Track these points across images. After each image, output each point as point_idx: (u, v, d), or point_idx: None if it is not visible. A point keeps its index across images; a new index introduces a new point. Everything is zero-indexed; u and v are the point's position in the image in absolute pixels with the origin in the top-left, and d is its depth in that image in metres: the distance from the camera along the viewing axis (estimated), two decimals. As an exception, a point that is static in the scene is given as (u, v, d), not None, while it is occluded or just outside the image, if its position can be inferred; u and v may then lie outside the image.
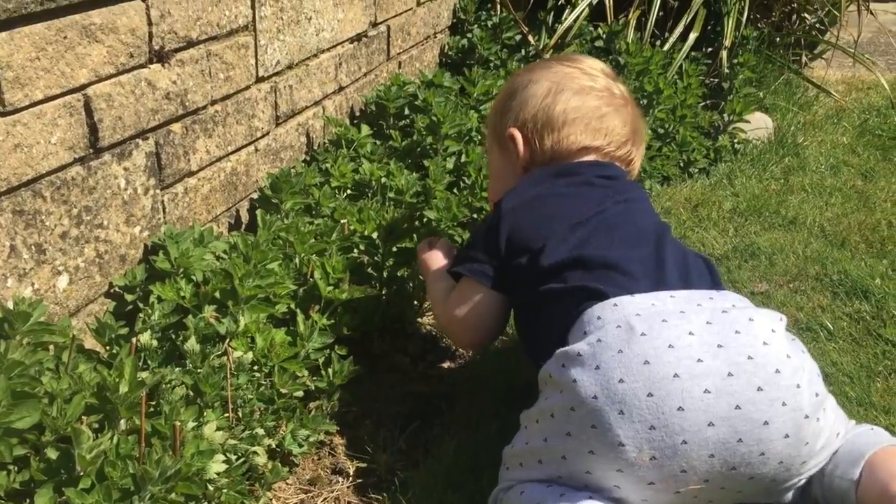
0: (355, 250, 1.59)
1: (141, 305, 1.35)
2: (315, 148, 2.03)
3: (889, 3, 3.93)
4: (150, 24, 1.38)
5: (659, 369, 1.00)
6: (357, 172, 1.87)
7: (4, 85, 1.11)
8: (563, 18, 2.83)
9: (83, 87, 1.25)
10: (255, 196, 1.78)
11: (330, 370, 1.35)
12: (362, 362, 1.48)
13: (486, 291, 1.29)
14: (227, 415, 1.12)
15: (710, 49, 2.89)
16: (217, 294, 1.32)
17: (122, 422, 1.05)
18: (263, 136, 1.80)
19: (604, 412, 1.01)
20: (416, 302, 1.69)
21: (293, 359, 1.28)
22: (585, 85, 1.35)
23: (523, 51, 2.88)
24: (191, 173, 1.56)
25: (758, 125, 2.64)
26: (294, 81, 1.89)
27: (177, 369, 1.16)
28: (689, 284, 1.15)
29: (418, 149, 2.04)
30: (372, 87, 2.31)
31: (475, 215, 1.86)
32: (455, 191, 1.89)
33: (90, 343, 1.27)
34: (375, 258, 1.59)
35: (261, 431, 1.14)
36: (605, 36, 2.78)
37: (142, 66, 1.38)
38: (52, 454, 0.98)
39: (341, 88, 2.14)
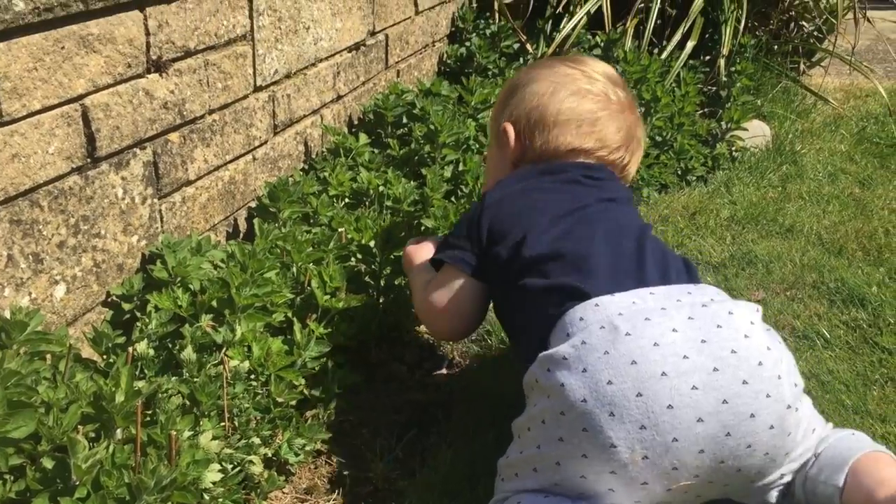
0: (352, 259, 1.60)
1: (138, 314, 1.35)
2: (313, 156, 2.03)
3: (887, 11, 3.94)
4: (147, 34, 1.38)
5: (646, 368, 1.01)
6: (355, 181, 1.87)
7: (2, 95, 1.11)
8: (561, 27, 2.84)
9: (81, 97, 1.26)
10: (253, 205, 1.79)
11: (327, 379, 1.35)
12: (359, 371, 1.48)
13: (467, 279, 1.28)
14: (223, 424, 1.12)
15: (707, 57, 2.90)
16: (214, 303, 1.33)
17: (119, 431, 1.05)
18: (261, 145, 1.80)
19: (594, 415, 1.01)
20: (412, 309, 1.69)
21: (290, 368, 1.28)
22: (583, 88, 1.35)
23: (521, 59, 2.89)
24: (188, 182, 1.56)
25: (755, 133, 2.65)
26: (292, 90, 1.90)
27: (173, 378, 1.16)
28: (667, 281, 1.15)
29: (416, 157, 2.04)
30: (370, 95, 2.32)
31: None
32: (453, 199, 1.89)
33: (87, 352, 1.28)
34: (373, 267, 1.60)
35: (257, 440, 1.14)
36: (602, 44, 2.79)
37: (139, 75, 1.38)
38: (48, 463, 0.98)
39: (339, 97, 2.15)
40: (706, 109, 2.73)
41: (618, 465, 1.01)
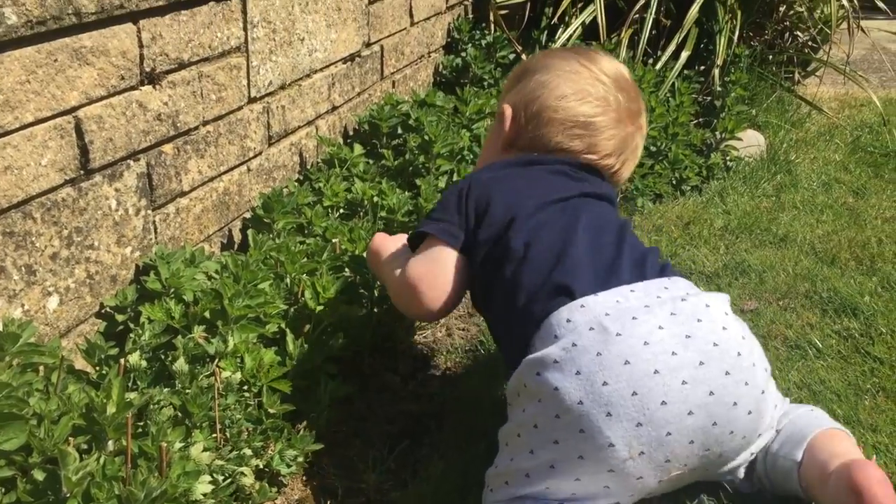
0: (346, 270, 1.60)
1: (132, 326, 1.35)
2: (308, 167, 2.04)
3: (882, 21, 3.95)
4: (141, 46, 1.39)
5: (639, 367, 1.03)
6: (350, 192, 1.88)
7: (-5, 108, 1.12)
8: (556, 37, 2.86)
9: (74, 109, 1.26)
10: (247, 216, 1.79)
11: (319, 390, 1.35)
12: (353, 381, 1.48)
13: (451, 252, 1.26)
14: (214, 435, 1.13)
15: (702, 67, 2.91)
16: (207, 314, 1.33)
17: (110, 443, 1.05)
18: (256, 156, 1.81)
19: (591, 416, 1.03)
20: (406, 320, 1.69)
21: (282, 378, 1.29)
22: (586, 89, 1.34)
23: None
24: (182, 193, 1.57)
25: (750, 143, 2.66)
26: (287, 102, 1.91)
27: (165, 390, 1.16)
28: (643, 276, 1.16)
29: (411, 168, 2.05)
30: (365, 106, 2.33)
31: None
32: (447, 209, 1.90)
33: (81, 364, 1.28)
34: (366, 277, 1.60)
35: (248, 452, 1.14)
36: (597, 54, 2.80)
37: (133, 87, 1.39)
38: (38, 476, 0.98)
39: (334, 108, 2.16)
40: (701, 119, 2.74)
41: (616, 463, 1.04)
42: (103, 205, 1.35)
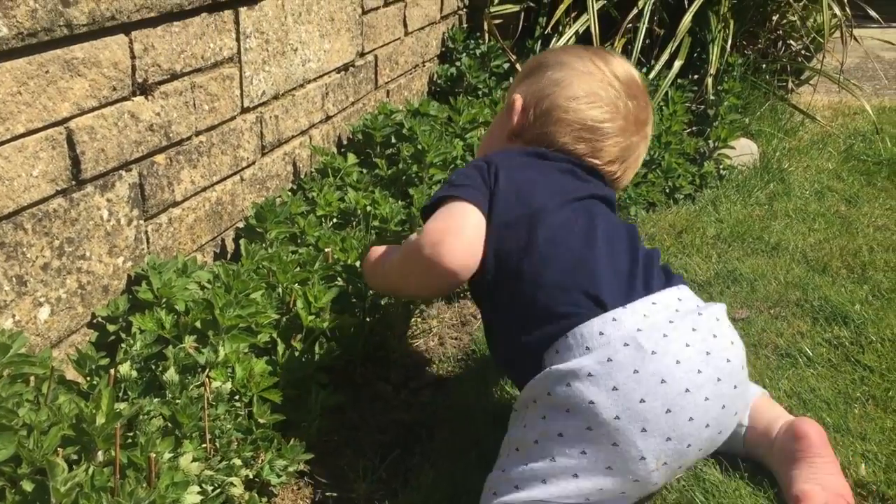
0: (339, 279, 1.60)
1: (123, 336, 1.35)
2: (302, 177, 2.05)
3: (875, 29, 3.97)
4: (133, 57, 1.40)
5: (674, 387, 1.09)
6: (343, 201, 1.89)
7: (-14, 120, 1.12)
8: (550, 46, 2.87)
9: (65, 120, 1.27)
10: (240, 225, 1.80)
11: (310, 399, 1.35)
12: (345, 391, 1.49)
13: (476, 210, 1.21)
14: (204, 445, 1.13)
15: (695, 76, 2.93)
16: (198, 324, 1.33)
17: (100, 453, 1.05)
18: (249, 166, 1.82)
19: (627, 431, 1.08)
20: (398, 329, 1.70)
21: (273, 388, 1.29)
22: (597, 92, 1.34)
23: (511, 79, 2.91)
24: (175, 203, 1.57)
25: (743, 151, 2.67)
26: (280, 111, 1.92)
27: (155, 400, 1.17)
28: (653, 284, 1.20)
29: (404, 177, 2.06)
30: (360, 115, 2.34)
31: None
32: (440, 219, 1.90)
33: (72, 374, 1.28)
34: (358, 286, 1.60)
35: (238, 462, 1.14)
36: (591, 64, 2.81)
37: (125, 98, 1.40)
38: (27, 486, 0.98)
39: (328, 118, 2.17)
40: (694, 128, 2.75)
41: (643, 474, 1.09)
42: (95, 215, 1.36)
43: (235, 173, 1.77)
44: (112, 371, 1.15)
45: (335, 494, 1.28)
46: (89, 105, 1.31)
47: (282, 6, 1.85)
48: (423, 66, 2.82)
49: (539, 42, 3.00)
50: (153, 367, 1.26)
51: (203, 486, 1.07)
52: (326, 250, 1.63)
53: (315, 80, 2.07)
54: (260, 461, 1.19)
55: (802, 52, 3.35)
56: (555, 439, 1.10)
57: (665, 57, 2.80)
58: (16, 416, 1.02)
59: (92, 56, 1.30)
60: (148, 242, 1.51)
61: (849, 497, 1.16)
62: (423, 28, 2.75)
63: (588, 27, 2.80)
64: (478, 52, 2.90)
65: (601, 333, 1.11)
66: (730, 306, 1.75)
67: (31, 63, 1.19)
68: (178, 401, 1.15)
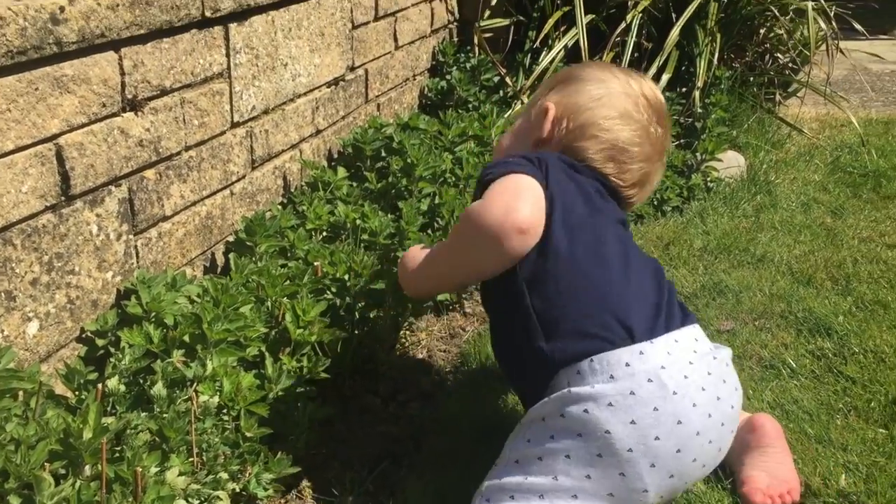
0: (327, 292, 1.62)
1: (112, 350, 1.36)
2: (292, 190, 2.06)
3: (863, 42, 4.01)
4: (122, 73, 1.41)
5: (688, 428, 1.13)
6: (333, 214, 1.90)
7: (-25, 137, 1.14)
8: (539, 60, 2.90)
9: (55, 136, 1.28)
10: (230, 239, 1.81)
11: (297, 413, 1.36)
12: (333, 403, 1.50)
13: (539, 186, 1.21)
14: (191, 459, 1.14)
15: (683, 89, 2.95)
16: (186, 338, 1.34)
17: (87, 468, 1.06)
18: (239, 180, 1.83)
19: (637, 464, 1.11)
20: (387, 342, 1.71)
21: (260, 402, 1.30)
22: (632, 115, 1.34)
23: (501, 92, 2.94)
24: (165, 218, 1.58)
25: (730, 163, 2.69)
26: (270, 126, 1.93)
27: (143, 414, 1.18)
28: (678, 319, 1.21)
29: (393, 190, 2.07)
30: (350, 129, 2.36)
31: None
32: (429, 232, 1.92)
33: (60, 389, 1.29)
34: (347, 300, 1.62)
35: (225, 476, 1.15)
36: (580, 77, 2.84)
37: (114, 114, 1.41)
38: (14, 501, 0.99)
39: (319, 131, 2.18)
40: (682, 140, 2.78)
41: (642, 503, 1.13)
42: (84, 230, 1.37)
43: (225, 187, 1.78)
44: (100, 385, 1.16)
45: (322, 507, 1.29)
46: (79, 121, 1.33)
47: (272, 22, 1.87)
48: (414, 79, 2.84)
49: (528, 56, 3.03)
50: (141, 381, 1.27)
51: (189, 500, 1.08)
52: (315, 264, 1.64)
53: (305, 94, 2.09)
54: (247, 475, 1.20)
55: (789, 65, 3.38)
56: (561, 459, 1.11)
57: (653, 70, 2.83)
58: (3, 431, 1.03)
59: (81, 73, 1.32)
60: (137, 257, 1.52)
61: (794, 485, 1.22)
62: (413, 42, 2.77)
63: (577, 41, 2.83)
64: (468, 65, 2.92)
65: (627, 365, 1.13)
66: (715, 318, 1.77)
67: (20, 80, 1.20)
68: (165, 415, 1.16)
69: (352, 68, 2.34)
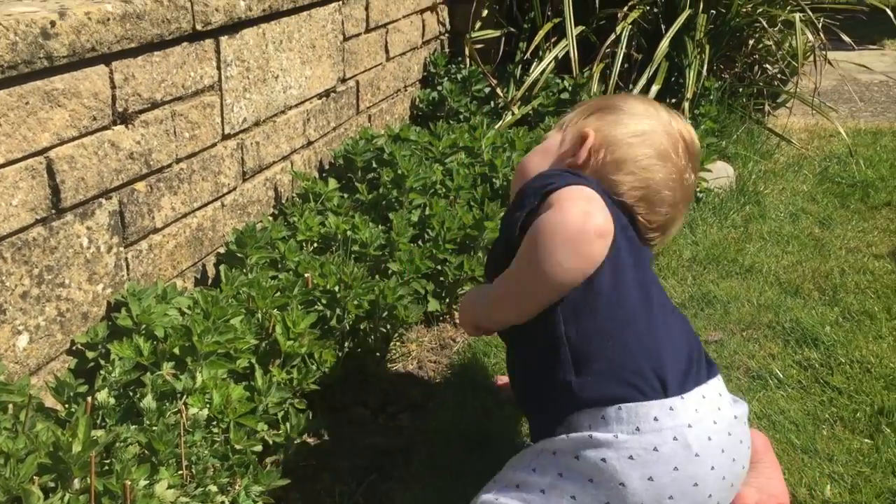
0: (318, 304, 1.62)
1: (102, 363, 1.37)
2: (283, 202, 2.07)
3: (852, 53, 4.05)
4: (113, 87, 1.42)
5: (702, 490, 1.10)
6: (324, 226, 1.91)
7: (-34, 152, 1.14)
8: (530, 71, 2.92)
9: (45, 150, 1.29)
10: (221, 251, 1.81)
11: (287, 424, 1.37)
12: (323, 415, 1.50)
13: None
14: (180, 472, 1.14)
15: (673, 100, 2.98)
16: (176, 350, 1.35)
17: (76, 481, 1.06)
18: (230, 192, 1.84)
19: None
20: (377, 353, 1.72)
21: (250, 414, 1.30)
22: (671, 157, 1.30)
23: (492, 103, 2.96)
24: (155, 230, 1.59)
25: (719, 174, 2.71)
26: (261, 138, 1.94)
27: (132, 427, 1.18)
28: (705, 373, 1.18)
29: (384, 202, 2.08)
30: (341, 140, 2.37)
31: (439, 266, 1.90)
32: (419, 243, 1.93)
33: (50, 401, 1.29)
34: (337, 311, 1.62)
35: (214, 488, 1.15)
36: (570, 88, 2.87)
37: (105, 127, 1.42)
38: (3, 515, 0.99)
39: (310, 143, 2.19)
40: (672, 151, 2.79)
41: None
42: (75, 243, 1.38)
43: (216, 199, 1.79)
44: (90, 398, 1.16)
45: (312, 519, 1.30)
46: (69, 135, 1.33)
47: (263, 34, 1.88)
48: (405, 90, 2.86)
49: (519, 67, 3.05)
50: (131, 393, 1.28)
51: (178, 512, 1.09)
52: (306, 275, 1.65)
53: (296, 106, 2.10)
54: (236, 487, 1.20)
55: (778, 75, 3.41)
56: (566, 498, 1.09)
57: (643, 81, 2.85)
58: (-8, 445, 1.03)
59: (72, 87, 1.33)
60: (128, 269, 1.52)
61: (784, 499, 1.21)
62: (404, 53, 2.79)
63: (567, 52, 2.86)
64: (459, 76, 2.94)
65: (656, 419, 1.09)
66: (703, 329, 1.79)
67: (10, 95, 1.21)
68: (154, 427, 1.17)
69: (343, 80, 2.36)
